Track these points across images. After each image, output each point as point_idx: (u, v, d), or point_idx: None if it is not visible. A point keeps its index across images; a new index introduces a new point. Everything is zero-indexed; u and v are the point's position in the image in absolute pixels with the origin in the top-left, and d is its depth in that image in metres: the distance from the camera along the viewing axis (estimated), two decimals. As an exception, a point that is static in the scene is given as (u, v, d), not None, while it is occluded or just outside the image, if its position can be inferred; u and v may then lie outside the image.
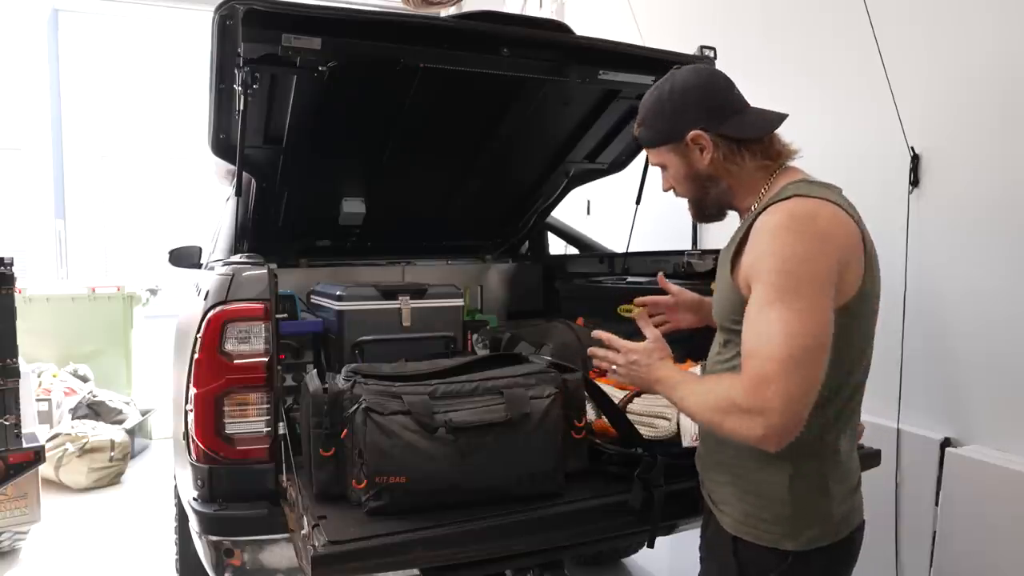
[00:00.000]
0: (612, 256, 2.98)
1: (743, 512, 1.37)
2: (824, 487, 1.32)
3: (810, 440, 1.29)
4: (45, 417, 4.60)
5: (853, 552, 1.41)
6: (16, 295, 2.69)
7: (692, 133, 1.38)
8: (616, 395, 2.01)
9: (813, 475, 1.32)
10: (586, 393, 1.84)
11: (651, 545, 1.69)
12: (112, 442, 4.69)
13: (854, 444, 1.41)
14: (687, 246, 2.63)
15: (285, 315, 2.17)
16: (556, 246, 3.76)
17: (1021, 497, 1.99)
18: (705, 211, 1.49)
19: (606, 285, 2.81)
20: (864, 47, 2.45)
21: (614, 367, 1.49)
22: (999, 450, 2.11)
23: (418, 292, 2.49)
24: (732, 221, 1.52)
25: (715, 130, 1.38)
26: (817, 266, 1.20)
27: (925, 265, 2.30)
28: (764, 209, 1.31)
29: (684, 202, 1.57)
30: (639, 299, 1.70)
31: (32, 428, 3.08)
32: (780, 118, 1.40)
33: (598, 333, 1.56)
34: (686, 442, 1.80)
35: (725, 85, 1.42)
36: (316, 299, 2.65)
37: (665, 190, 1.54)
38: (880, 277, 1.37)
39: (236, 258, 2.02)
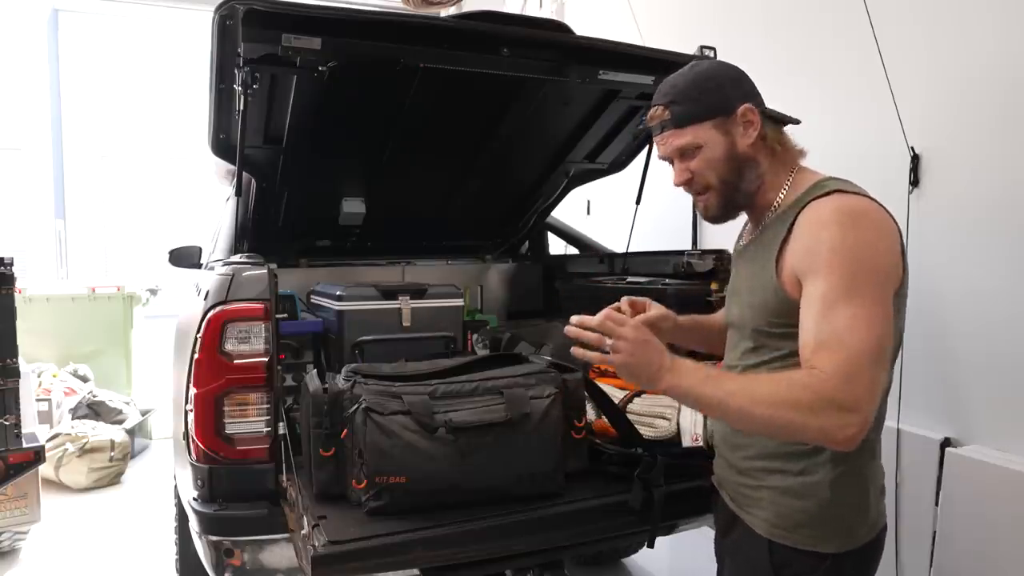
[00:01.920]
0: (612, 256, 2.98)
1: (778, 515, 1.32)
2: (864, 488, 1.31)
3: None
4: (45, 417, 4.60)
5: (879, 553, 1.39)
6: (16, 295, 2.69)
7: (745, 106, 1.33)
8: (616, 395, 2.01)
9: (855, 476, 1.30)
10: (586, 393, 1.84)
11: (651, 545, 1.69)
12: (112, 442, 4.69)
13: (880, 444, 1.39)
14: (687, 246, 2.63)
15: (285, 315, 2.17)
16: (556, 246, 3.76)
17: (1021, 497, 1.99)
18: (730, 203, 1.39)
19: (606, 285, 2.82)
20: (864, 47, 2.45)
21: (609, 352, 1.25)
22: (999, 450, 2.11)
23: (418, 292, 2.49)
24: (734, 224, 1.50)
25: (761, 107, 1.35)
26: (880, 259, 1.19)
27: (925, 265, 2.30)
28: (806, 204, 1.27)
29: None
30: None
31: (32, 428, 3.07)
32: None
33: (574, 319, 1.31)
34: (686, 442, 1.80)
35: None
36: (316, 299, 2.65)
37: (681, 182, 1.40)
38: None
39: (236, 258, 2.02)
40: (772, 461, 1.34)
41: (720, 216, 1.41)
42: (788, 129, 1.41)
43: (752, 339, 1.37)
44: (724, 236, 1.68)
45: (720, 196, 1.38)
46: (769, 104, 1.43)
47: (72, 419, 4.89)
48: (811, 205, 1.26)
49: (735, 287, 1.47)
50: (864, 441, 1.20)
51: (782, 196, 1.35)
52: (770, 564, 1.33)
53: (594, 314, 1.30)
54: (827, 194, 1.26)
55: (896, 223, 1.28)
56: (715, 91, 1.34)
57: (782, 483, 1.32)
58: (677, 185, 1.41)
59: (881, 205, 1.27)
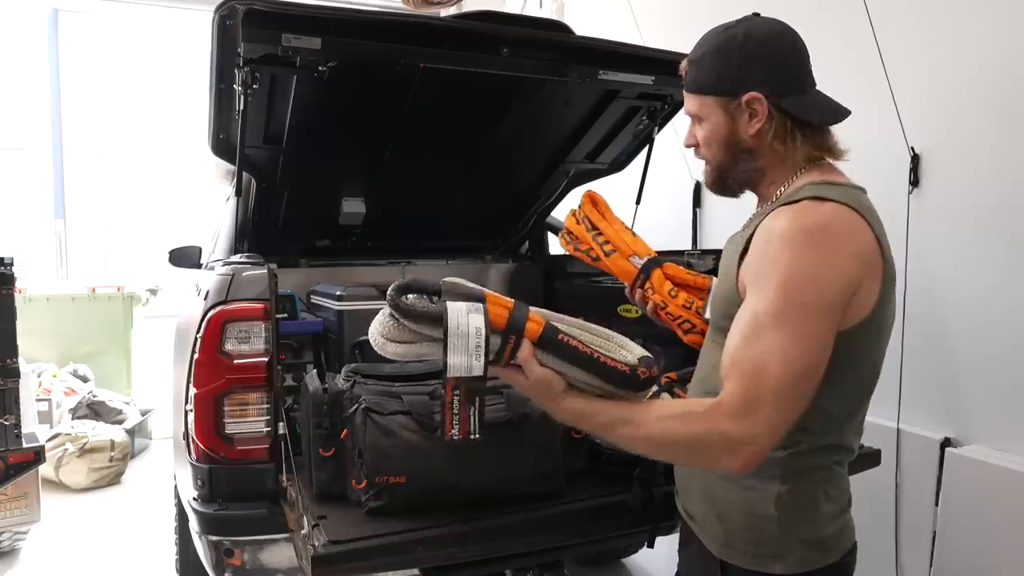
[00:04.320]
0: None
1: (727, 533, 1.25)
2: (813, 505, 1.22)
3: (794, 461, 1.20)
4: (45, 417, 4.60)
5: None
6: (16, 295, 2.69)
7: (750, 94, 1.21)
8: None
9: (803, 494, 1.21)
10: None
11: (651, 545, 1.69)
12: (112, 442, 4.69)
13: (849, 463, 1.31)
14: (687, 246, 2.63)
15: (285, 315, 2.17)
16: (556, 246, 3.75)
17: (1021, 497, 1.99)
18: (725, 183, 1.32)
19: (606, 285, 2.81)
20: (864, 47, 2.45)
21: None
22: (999, 450, 2.11)
23: (418, 292, 2.48)
24: (737, 212, 1.44)
25: (775, 99, 1.21)
26: (823, 286, 1.08)
27: (925, 265, 2.30)
28: (773, 210, 1.18)
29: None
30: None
31: (32, 428, 3.07)
32: (845, 112, 1.26)
33: None
34: None
35: (802, 52, 1.26)
36: (316, 299, 2.65)
37: (688, 145, 1.35)
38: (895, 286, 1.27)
39: (236, 258, 2.03)
40: (720, 478, 1.26)
41: (714, 190, 1.36)
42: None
43: (719, 334, 1.26)
44: (724, 236, 1.67)
45: (713, 172, 1.32)
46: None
47: (72, 419, 4.89)
48: (774, 213, 1.16)
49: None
50: (829, 460, 1.22)
51: (780, 193, 1.26)
52: None
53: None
54: (796, 201, 1.15)
55: (875, 237, 1.15)
56: (732, 65, 1.23)
57: (730, 497, 1.25)
58: (686, 146, 1.36)
59: (865, 218, 1.15)
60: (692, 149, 1.34)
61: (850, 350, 1.14)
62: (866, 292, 1.14)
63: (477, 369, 1.00)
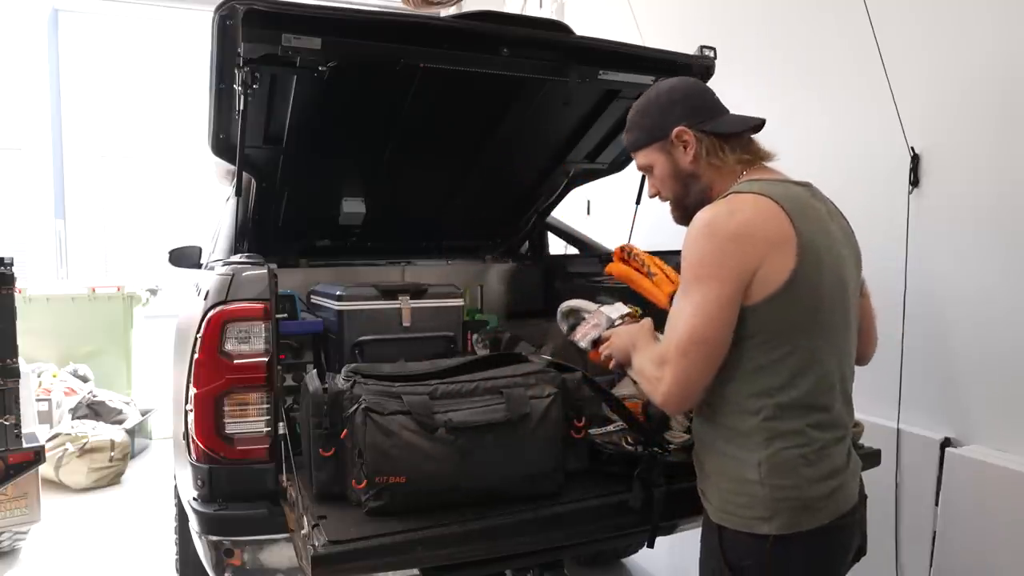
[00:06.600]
0: (612, 256, 2.98)
1: (721, 499, 1.40)
2: (793, 469, 1.33)
3: (767, 425, 1.34)
4: (45, 417, 4.61)
5: (841, 541, 1.40)
6: (16, 295, 2.69)
7: (677, 129, 1.47)
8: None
9: (782, 457, 1.33)
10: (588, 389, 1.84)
11: (651, 545, 1.70)
12: (112, 442, 4.70)
13: (835, 429, 1.39)
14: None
15: (285, 315, 2.17)
16: (556, 246, 3.76)
17: (1021, 497, 1.99)
18: (688, 211, 1.51)
19: (606, 285, 2.81)
20: (864, 47, 2.45)
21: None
22: (999, 450, 2.11)
23: (418, 292, 2.48)
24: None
25: (698, 127, 1.47)
26: (719, 266, 1.31)
27: (925, 265, 2.30)
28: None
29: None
30: None
31: (32, 428, 3.08)
32: (758, 120, 1.49)
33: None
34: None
35: (705, 89, 1.55)
36: (316, 299, 2.65)
37: (652, 196, 1.61)
38: (844, 269, 1.41)
39: (236, 258, 2.03)
40: (716, 440, 1.42)
41: (683, 223, 1.54)
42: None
43: None
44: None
45: (676, 208, 1.57)
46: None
47: (72, 419, 4.90)
48: (700, 211, 1.40)
49: None
50: (783, 426, 1.33)
51: None
52: (720, 548, 1.39)
53: None
54: (723, 198, 1.39)
55: (790, 222, 1.32)
56: (653, 116, 1.52)
57: (722, 463, 1.40)
58: (651, 197, 1.62)
59: (774, 200, 1.33)
60: (657, 198, 1.59)
61: (770, 317, 1.32)
62: (774, 267, 1.31)
63: (615, 313, 1.68)
